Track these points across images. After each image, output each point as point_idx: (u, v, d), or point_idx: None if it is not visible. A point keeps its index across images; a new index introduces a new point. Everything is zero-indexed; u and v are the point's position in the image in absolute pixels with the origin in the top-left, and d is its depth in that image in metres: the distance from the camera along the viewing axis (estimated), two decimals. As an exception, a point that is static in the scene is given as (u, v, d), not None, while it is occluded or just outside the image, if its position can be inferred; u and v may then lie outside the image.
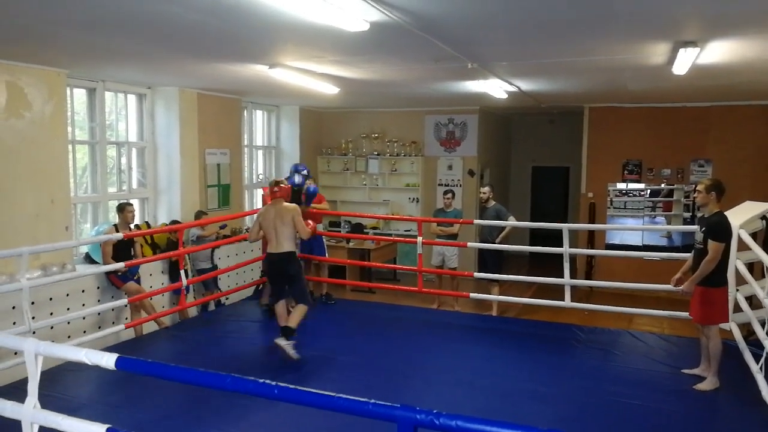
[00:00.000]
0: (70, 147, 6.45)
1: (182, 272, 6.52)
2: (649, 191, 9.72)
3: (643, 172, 9.66)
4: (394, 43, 4.74)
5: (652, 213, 9.78)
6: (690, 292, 4.86)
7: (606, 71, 6.17)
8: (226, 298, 7.68)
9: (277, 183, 5.76)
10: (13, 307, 5.15)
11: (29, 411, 2.67)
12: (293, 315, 5.50)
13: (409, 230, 10.39)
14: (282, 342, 5.27)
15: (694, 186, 7.18)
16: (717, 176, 7.42)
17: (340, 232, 10.34)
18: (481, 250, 8.00)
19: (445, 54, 5.04)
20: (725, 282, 4.77)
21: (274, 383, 2.45)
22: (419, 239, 7.16)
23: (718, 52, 4.96)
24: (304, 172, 7.22)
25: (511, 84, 7.08)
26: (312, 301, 5.90)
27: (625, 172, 9.76)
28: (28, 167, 5.77)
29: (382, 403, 2.24)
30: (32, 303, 5.24)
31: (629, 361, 5.56)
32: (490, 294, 7.50)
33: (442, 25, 4.13)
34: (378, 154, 10.85)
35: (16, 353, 4.72)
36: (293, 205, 5.74)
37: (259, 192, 9.70)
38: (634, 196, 9.82)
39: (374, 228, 10.76)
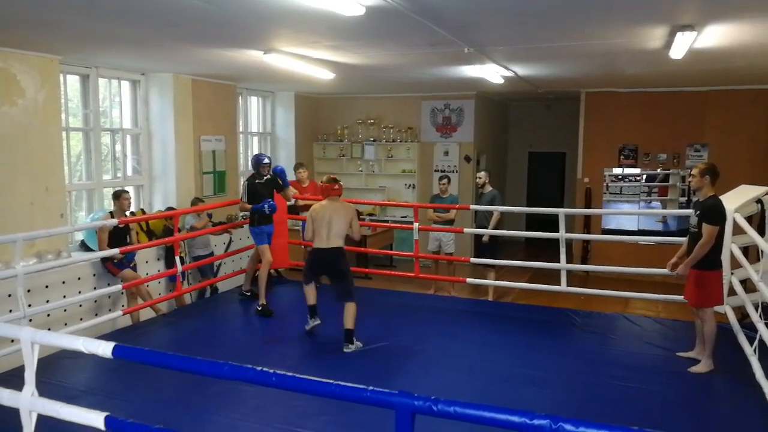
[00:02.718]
0: (63, 134, 6.41)
1: (177, 259, 6.51)
2: (645, 176, 9.74)
3: (639, 157, 9.66)
4: (390, 28, 4.71)
5: (648, 198, 9.80)
6: (685, 276, 4.88)
7: (603, 56, 6.15)
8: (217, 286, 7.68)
9: (335, 181, 5.66)
10: (9, 295, 5.13)
11: (27, 399, 2.66)
12: (348, 317, 5.38)
13: (405, 216, 10.38)
14: (350, 348, 5.30)
15: (689, 170, 7.19)
16: (713, 161, 7.41)
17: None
18: (477, 235, 8.01)
19: (441, 38, 5.00)
20: (720, 265, 4.80)
21: (271, 371, 2.44)
22: (416, 225, 7.16)
23: (715, 36, 4.94)
24: (266, 160, 6.67)
25: (507, 69, 7.04)
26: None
27: (622, 157, 9.76)
28: (22, 155, 5.73)
29: (380, 390, 2.24)
30: (28, 291, 5.24)
31: (625, 345, 5.60)
32: (486, 279, 7.52)
33: (438, 9, 4.10)
34: (374, 140, 10.81)
35: (12, 341, 4.73)
36: (352, 206, 5.79)
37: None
38: (630, 181, 9.83)
39: (370, 214, 10.75)
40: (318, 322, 5.74)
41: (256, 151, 10.15)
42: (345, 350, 5.28)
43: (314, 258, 5.61)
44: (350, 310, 5.38)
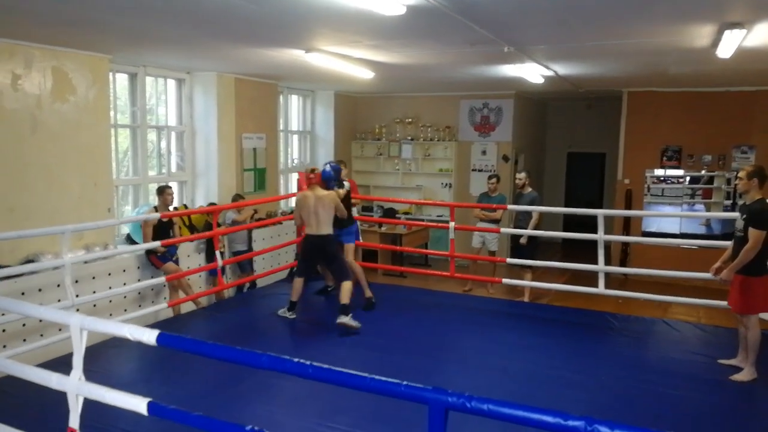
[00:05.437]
0: (112, 131, 6.62)
1: (218, 253, 6.65)
2: (688, 178, 9.49)
3: (682, 159, 9.42)
4: (431, 27, 4.72)
5: (691, 200, 9.55)
6: (729, 281, 4.78)
7: (647, 54, 6.03)
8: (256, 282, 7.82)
9: (313, 170, 6.23)
10: (58, 285, 5.34)
11: (74, 383, 2.78)
12: (343, 293, 5.93)
13: (441, 216, 10.37)
14: (343, 319, 5.79)
15: (735, 173, 7.00)
16: (761, 163, 7.20)
17: (372, 216, 10.39)
18: (514, 236, 7.96)
19: (481, 38, 4.99)
20: (766, 271, 4.67)
21: (308, 362, 2.50)
22: (451, 224, 7.15)
23: (766, 34, 4.80)
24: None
25: (548, 68, 6.97)
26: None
27: (664, 158, 9.53)
28: (73, 150, 5.95)
29: (414, 385, 2.26)
30: (76, 281, 5.44)
31: (664, 350, 5.50)
32: (522, 280, 7.47)
33: (478, 8, 4.10)
34: (411, 139, 10.83)
35: (60, 329, 4.93)
36: (329, 191, 6.19)
37: (294, 176, 9.83)
38: (673, 182, 9.60)
39: (406, 213, 10.78)
40: (294, 316, 6.20)
41: (296, 149, 10.30)
42: (338, 321, 5.80)
43: (307, 244, 6.16)
44: (346, 287, 5.99)
